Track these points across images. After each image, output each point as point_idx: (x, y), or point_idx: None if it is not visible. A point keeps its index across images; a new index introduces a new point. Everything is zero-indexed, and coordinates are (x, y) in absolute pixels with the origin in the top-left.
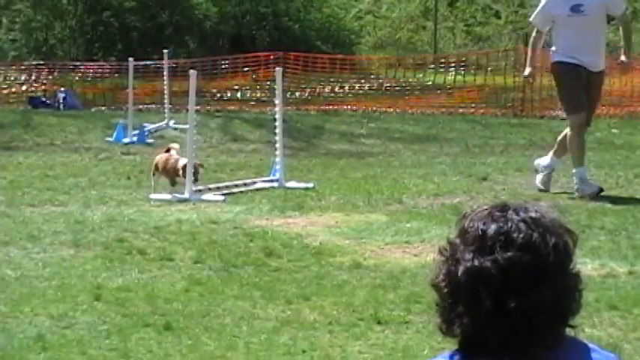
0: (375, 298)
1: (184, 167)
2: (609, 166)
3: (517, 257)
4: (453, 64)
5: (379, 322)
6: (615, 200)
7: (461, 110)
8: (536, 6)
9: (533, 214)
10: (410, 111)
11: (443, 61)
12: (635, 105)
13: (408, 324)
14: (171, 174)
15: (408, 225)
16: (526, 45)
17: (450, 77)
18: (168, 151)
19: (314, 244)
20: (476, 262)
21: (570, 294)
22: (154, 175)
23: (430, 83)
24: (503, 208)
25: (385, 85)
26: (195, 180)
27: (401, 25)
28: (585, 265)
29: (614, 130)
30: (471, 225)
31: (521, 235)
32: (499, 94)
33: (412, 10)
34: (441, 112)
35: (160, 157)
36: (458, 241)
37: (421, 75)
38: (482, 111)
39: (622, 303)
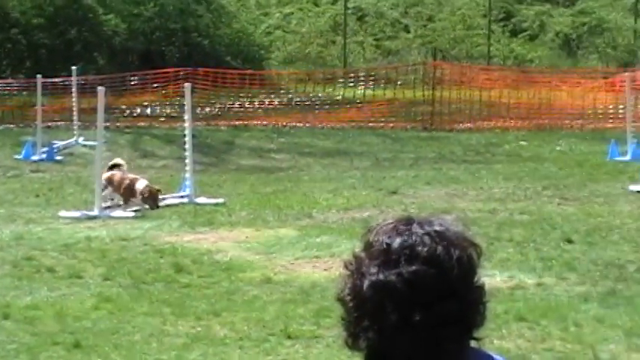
0: (285, 313)
1: (145, 190)
2: (517, 178)
3: (422, 271)
4: (362, 79)
5: (289, 337)
6: (524, 212)
7: (371, 124)
8: (444, 20)
9: (437, 228)
10: (320, 125)
11: (352, 75)
12: (543, 117)
13: (318, 338)
14: (127, 195)
15: (317, 239)
16: (435, 59)
17: (359, 91)
18: (113, 167)
19: (224, 259)
20: (381, 276)
21: (475, 307)
22: (104, 190)
23: (340, 97)
24: (408, 221)
25: (295, 99)
26: (157, 206)
27: (310, 40)
28: (494, 277)
29: (522, 143)
30: (376, 239)
31: (425, 249)
32: (409, 108)
33: (321, 24)
34: (351, 126)
35: (113, 175)
36: (363, 255)
37: (331, 89)
38: (392, 125)
39: (530, 314)
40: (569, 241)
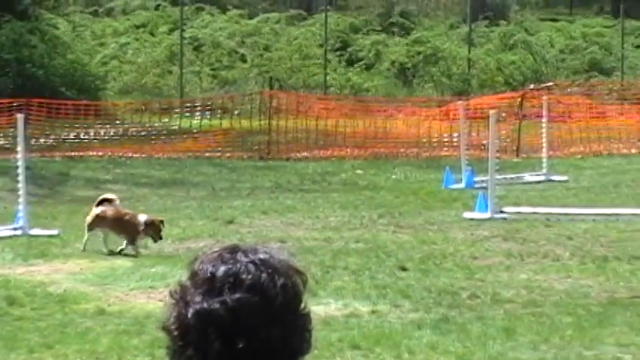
0: (119, 344)
1: (148, 224)
2: (353, 207)
3: (245, 298)
4: (199, 108)
5: None
6: (359, 240)
7: (207, 154)
8: (281, 49)
9: (262, 256)
10: (156, 156)
11: (189, 105)
12: (379, 146)
13: None
14: (130, 232)
15: (153, 270)
16: (271, 88)
17: (196, 121)
18: (101, 203)
19: (58, 291)
20: (205, 305)
21: (300, 334)
22: (90, 230)
23: (176, 127)
24: (233, 250)
25: (131, 130)
26: (160, 238)
27: (147, 70)
28: (329, 306)
29: (358, 171)
30: (201, 267)
31: (249, 277)
32: (245, 138)
33: (158, 54)
34: (188, 157)
35: (103, 211)
36: (188, 283)
37: (167, 119)
38: (228, 154)
39: (364, 342)
40: (404, 269)
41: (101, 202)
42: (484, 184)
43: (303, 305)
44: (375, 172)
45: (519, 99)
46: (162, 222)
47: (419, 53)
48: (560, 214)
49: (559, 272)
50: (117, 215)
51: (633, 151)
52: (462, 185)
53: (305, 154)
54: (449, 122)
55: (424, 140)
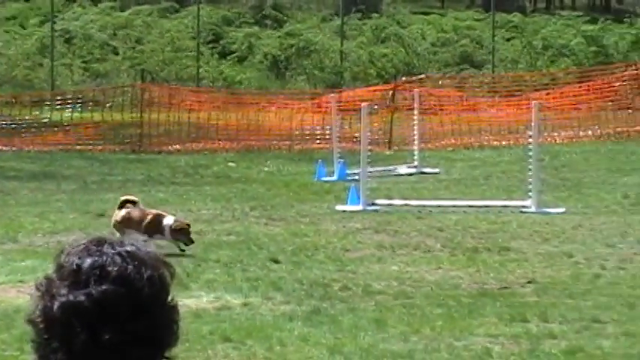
0: None
1: (174, 228)
2: (226, 200)
3: (111, 290)
4: (70, 101)
5: None
6: (231, 233)
7: (78, 147)
8: (153, 42)
9: (129, 248)
10: (26, 149)
11: (60, 98)
12: (251, 139)
13: None
14: (152, 230)
15: (22, 264)
16: (143, 81)
17: (67, 114)
18: (124, 205)
19: None
20: (70, 297)
21: (167, 326)
22: (123, 233)
23: (47, 120)
24: (100, 242)
25: (1, 123)
26: (192, 241)
27: (17, 63)
28: (200, 299)
29: (230, 164)
30: (67, 260)
31: (115, 269)
32: (117, 130)
33: (28, 47)
34: (59, 150)
35: (129, 213)
36: (54, 276)
37: (38, 112)
38: (100, 147)
39: (236, 334)
40: (276, 261)
41: (124, 204)
42: (356, 177)
43: (170, 297)
44: (247, 165)
45: (391, 91)
46: (188, 225)
47: (292, 46)
48: (431, 206)
49: (430, 264)
50: (140, 216)
51: (504, 143)
52: (335, 178)
53: (177, 146)
54: (321, 115)
55: (297, 133)
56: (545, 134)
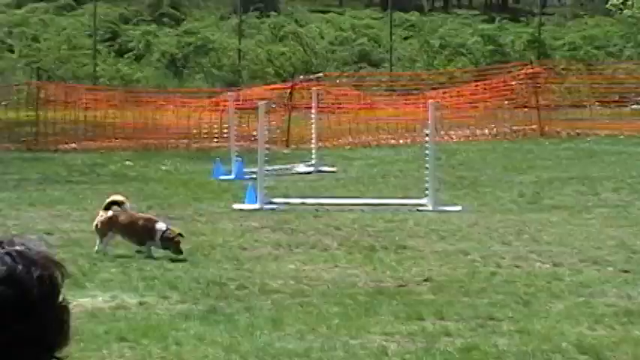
0: None
1: (165, 236)
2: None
3: (0, 291)
4: None
5: None
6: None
7: None
8: (49, 40)
9: (18, 248)
10: None
11: None
12: (148, 137)
13: None
14: (144, 237)
15: None
16: (39, 79)
17: None
18: (111, 206)
19: None
20: None
21: (57, 327)
22: (104, 235)
23: None
24: None
25: None
26: (180, 252)
27: None
28: (96, 298)
29: (127, 163)
30: None
31: (4, 268)
32: (12, 129)
33: None
34: None
35: (116, 215)
36: None
37: None
38: None
39: (132, 334)
40: (172, 260)
41: (110, 205)
42: (254, 176)
43: (61, 298)
44: (144, 164)
45: (289, 90)
46: (180, 235)
47: (189, 44)
48: (328, 204)
49: (327, 262)
50: (129, 219)
51: (401, 142)
52: (232, 176)
53: (73, 145)
54: (219, 113)
55: (194, 131)
56: (442, 133)
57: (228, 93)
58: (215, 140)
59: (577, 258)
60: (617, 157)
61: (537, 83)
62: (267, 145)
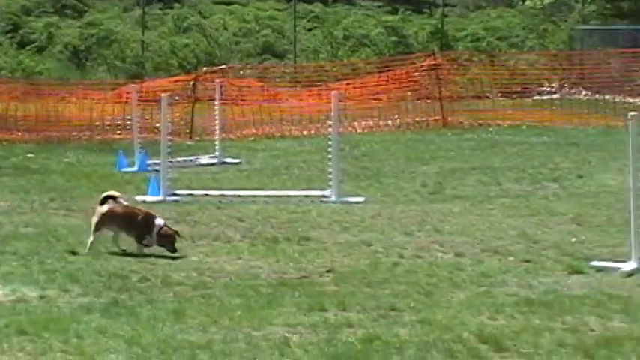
0: None
1: (161, 233)
2: (24, 191)
3: None
4: None
5: None
6: (29, 225)
7: None
8: None
9: None
10: None
11: None
12: (51, 130)
13: None
14: (143, 231)
15: None
16: None
17: None
18: (105, 201)
19: None
20: None
21: None
22: (98, 230)
23: None
24: None
25: None
26: (175, 250)
27: None
28: None
29: (29, 155)
30: None
31: None
32: None
33: None
34: None
35: (112, 209)
36: None
37: None
38: None
39: (32, 327)
40: (74, 253)
41: (105, 200)
42: (157, 168)
43: None
44: (46, 156)
45: (192, 82)
46: (177, 233)
47: (92, 36)
48: (232, 196)
49: (230, 254)
50: (125, 213)
51: (305, 133)
52: (135, 168)
53: None
54: (122, 105)
55: (97, 124)
56: (346, 124)
57: (132, 85)
58: (118, 132)
59: (479, 248)
60: (519, 147)
61: (440, 74)
62: (170, 137)
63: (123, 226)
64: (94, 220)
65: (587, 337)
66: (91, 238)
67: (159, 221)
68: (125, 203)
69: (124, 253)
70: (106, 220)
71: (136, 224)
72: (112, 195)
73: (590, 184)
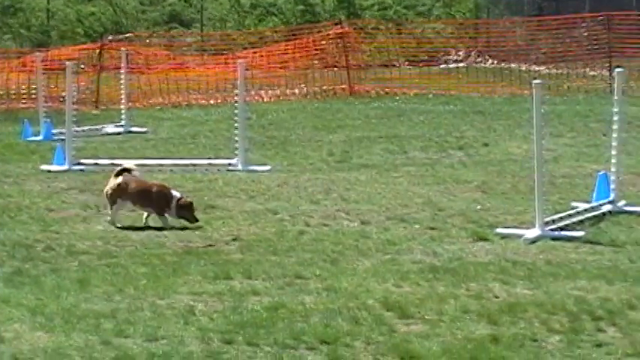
0: None
1: (181, 204)
2: None
3: None
4: None
5: None
6: None
7: None
8: None
9: None
10: None
11: None
12: None
13: None
14: (162, 205)
15: None
16: None
17: None
18: (120, 173)
19: None
20: None
21: None
22: (114, 203)
23: None
24: None
25: None
26: (196, 220)
27: None
28: None
29: None
30: None
31: None
32: None
33: None
34: None
35: (127, 182)
36: None
37: None
38: None
39: None
40: None
41: (121, 172)
42: (63, 137)
43: None
44: None
45: (98, 50)
46: (192, 203)
47: None
48: (138, 165)
49: (135, 222)
50: (140, 186)
51: (212, 102)
52: (40, 138)
53: None
54: (27, 74)
55: (1, 93)
56: (253, 93)
57: (37, 53)
58: (23, 101)
59: (384, 216)
60: (426, 116)
61: (347, 43)
62: (75, 106)
63: (137, 200)
64: (108, 191)
65: (491, 304)
66: (110, 211)
67: (175, 193)
68: (139, 177)
69: (28, 222)
70: (119, 191)
71: (150, 199)
72: (127, 168)
73: (495, 152)
